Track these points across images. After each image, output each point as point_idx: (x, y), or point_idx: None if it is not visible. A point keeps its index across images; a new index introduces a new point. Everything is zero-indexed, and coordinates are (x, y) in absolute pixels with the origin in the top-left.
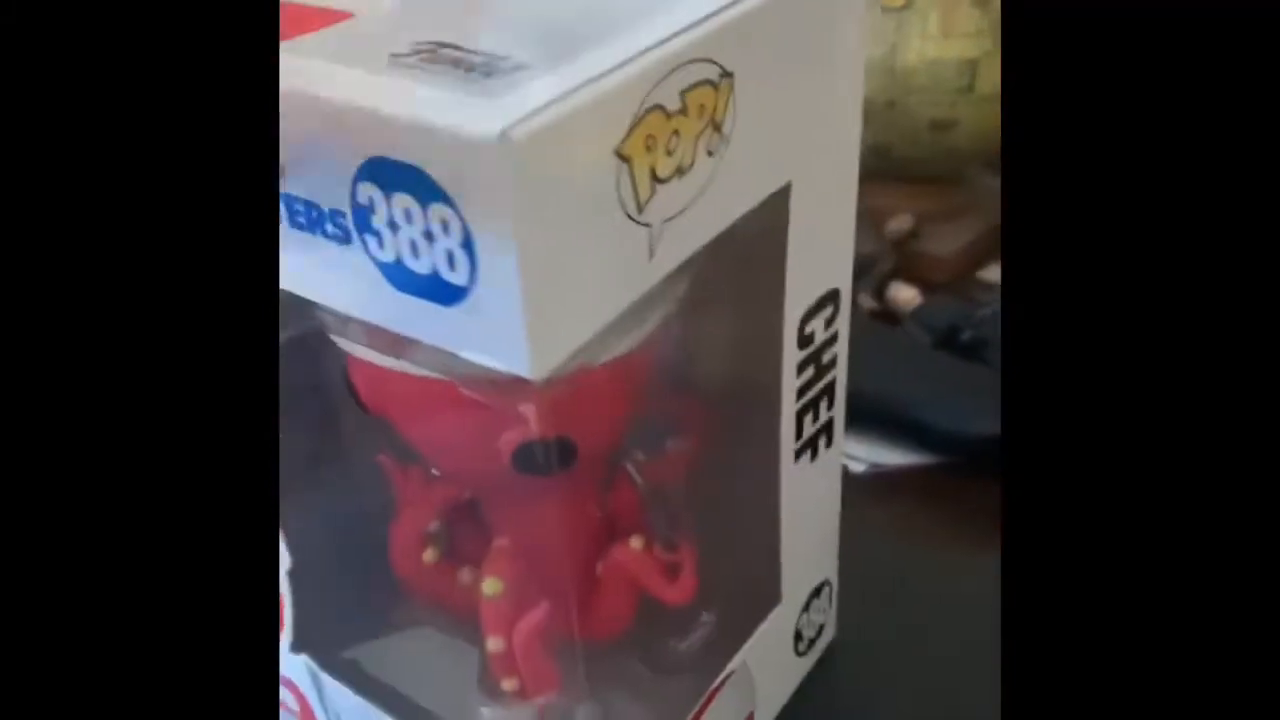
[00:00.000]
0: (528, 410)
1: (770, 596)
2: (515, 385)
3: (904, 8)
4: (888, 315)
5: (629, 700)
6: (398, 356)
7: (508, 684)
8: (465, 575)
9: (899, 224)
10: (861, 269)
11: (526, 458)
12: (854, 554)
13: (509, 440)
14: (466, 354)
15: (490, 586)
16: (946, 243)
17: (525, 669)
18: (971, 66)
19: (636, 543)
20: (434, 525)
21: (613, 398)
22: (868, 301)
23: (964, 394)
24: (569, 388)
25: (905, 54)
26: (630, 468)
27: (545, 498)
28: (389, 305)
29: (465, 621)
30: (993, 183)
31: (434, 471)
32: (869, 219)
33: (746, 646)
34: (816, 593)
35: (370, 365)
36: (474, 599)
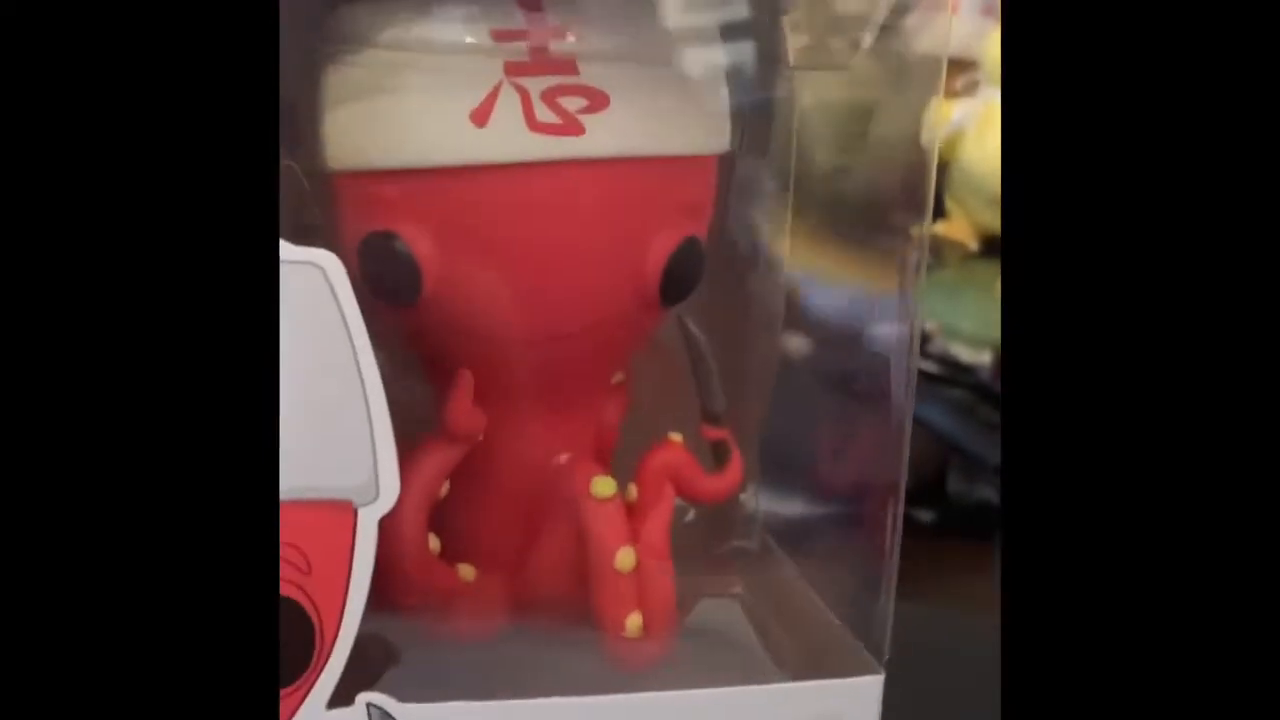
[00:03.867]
0: (699, 187)
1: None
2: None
3: None
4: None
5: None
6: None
7: (633, 622)
8: (466, 571)
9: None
10: None
11: (686, 264)
12: None
13: (665, 243)
14: None
15: (603, 486)
16: None
17: (658, 587)
18: (867, 113)
19: (678, 438)
20: (444, 489)
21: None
22: None
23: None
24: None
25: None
26: (681, 317)
27: (612, 367)
28: None
29: (471, 637)
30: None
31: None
32: None
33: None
34: None
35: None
36: (486, 602)
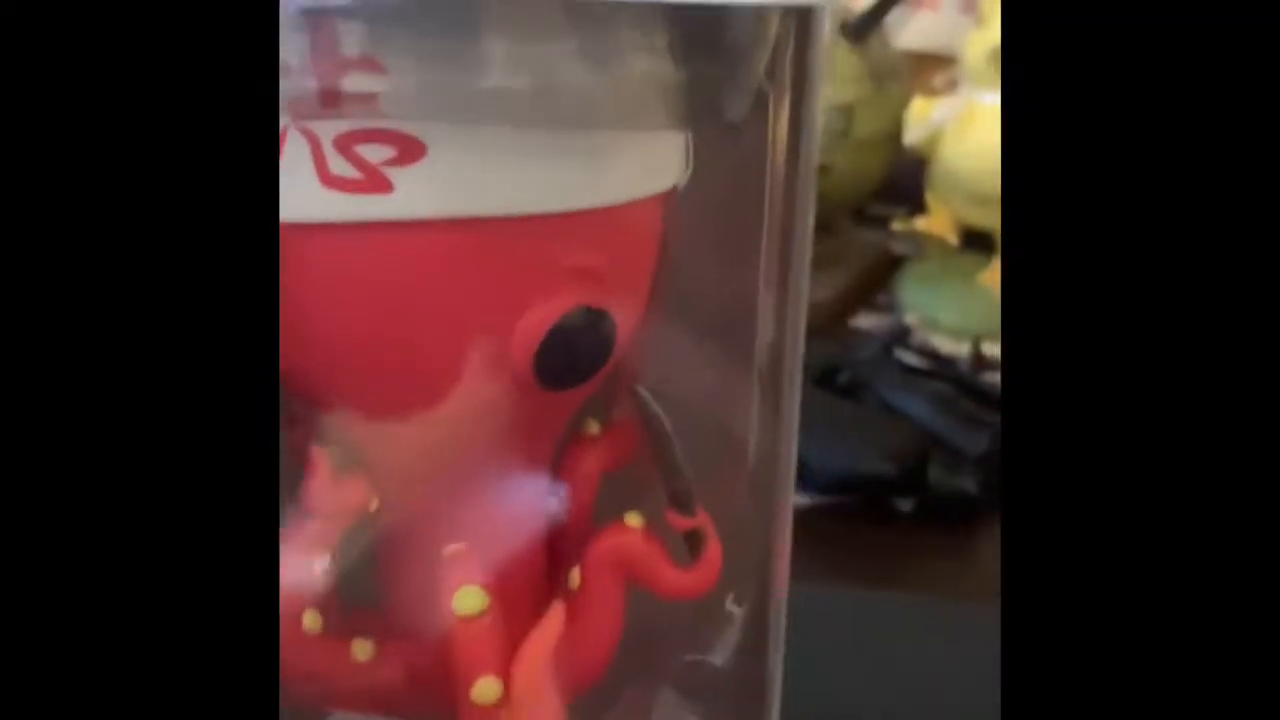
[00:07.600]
0: (593, 245)
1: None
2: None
3: None
4: None
5: None
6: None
7: None
8: (361, 650)
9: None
10: None
11: (570, 342)
12: None
13: (540, 318)
14: None
15: (468, 601)
16: (817, 291)
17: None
18: (848, 112)
19: (635, 520)
20: (322, 563)
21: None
22: None
23: (848, 433)
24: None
25: None
26: (641, 393)
27: (533, 447)
28: None
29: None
30: (860, 234)
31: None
32: None
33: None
34: None
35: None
36: (385, 684)
